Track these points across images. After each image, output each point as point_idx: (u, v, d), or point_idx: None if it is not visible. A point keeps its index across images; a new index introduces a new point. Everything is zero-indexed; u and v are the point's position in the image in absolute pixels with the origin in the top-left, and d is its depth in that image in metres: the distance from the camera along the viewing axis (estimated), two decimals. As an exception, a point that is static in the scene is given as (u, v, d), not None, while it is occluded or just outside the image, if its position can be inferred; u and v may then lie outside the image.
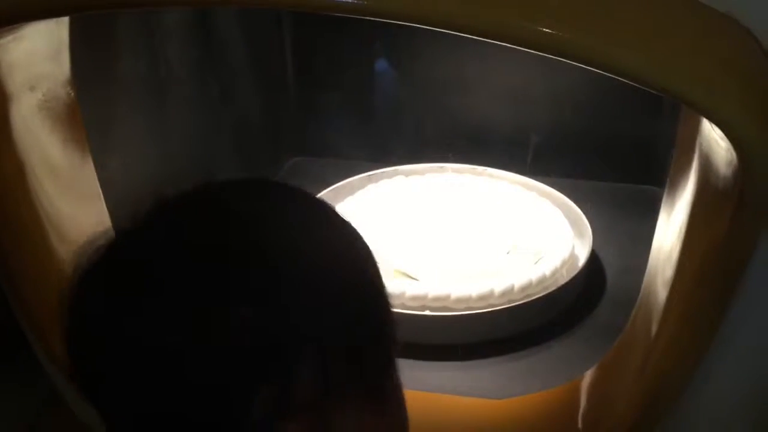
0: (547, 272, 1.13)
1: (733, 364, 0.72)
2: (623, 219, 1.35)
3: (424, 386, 0.99)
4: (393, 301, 1.08)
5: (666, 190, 0.83)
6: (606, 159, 1.46)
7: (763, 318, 0.70)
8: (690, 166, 0.74)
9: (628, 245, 1.26)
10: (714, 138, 0.63)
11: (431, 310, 1.08)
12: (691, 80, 0.54)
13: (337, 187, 1.38)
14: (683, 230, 0.74)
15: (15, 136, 0.76)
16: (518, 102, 1.47)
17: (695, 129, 0.70)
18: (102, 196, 0.92)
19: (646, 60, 0.54)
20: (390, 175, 1.41)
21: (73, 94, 0.82)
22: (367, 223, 1.25)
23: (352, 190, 1.37)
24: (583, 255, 1.19)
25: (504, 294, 1.09)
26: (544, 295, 1.09)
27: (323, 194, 1.36)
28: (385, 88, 1.61)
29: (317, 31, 1.52)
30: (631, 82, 0.56)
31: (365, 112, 1.61)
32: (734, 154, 0.57)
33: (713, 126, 0.59)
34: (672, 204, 0.80)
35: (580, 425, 0.84)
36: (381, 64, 1.58)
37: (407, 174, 1.42)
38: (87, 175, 0.89)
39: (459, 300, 1.08)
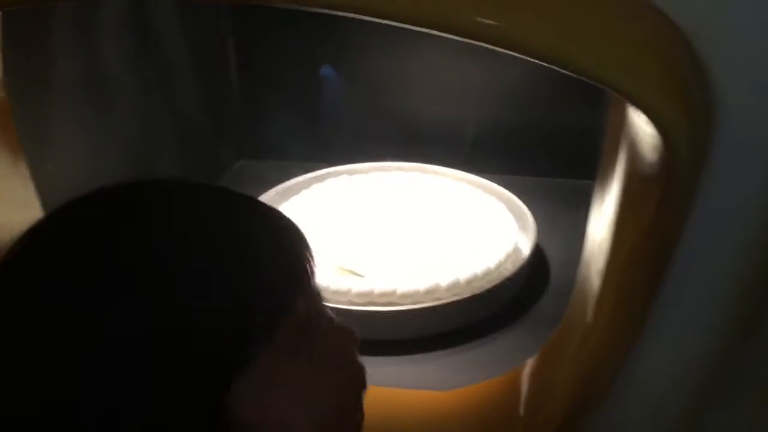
0: (492, 266, 1.15)
1: (663, 348, 0.74)
2: (567, 213, 1.37)
3: (372, 381, 0.99)
4: (339, 298, 1.08)
5: (597, 181, 0.85)
6: (549, 155, 1.49)
7: (691, 302, 0.72)
8: (618, 156, 0.76)
9: (571, 238, 1.27)
10: (639, 124, 0.64)
11: (378, 305, 1.08)
12: (613, 64, 0.55)
13: (282, 188, 1.38)
14: (613, 220, 0.76)
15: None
16: (460, 99, 1.49)
17: (623, 117, 0.72)
18: (38, 200, 0.90)
19: (568, 44, 0.55)
20: (335, 175, 1.41)
21: (3, 93, 0.81)
22: (312, 222, 1.26)
23: (297, 191, 1.37)
24: (526, 248, 1.21)
25: (450, 288, 1.10)
26: (489, 288, 1.11)
27: (268, 195, 1.36)
28: (329, 89, 1.61)
29: (260, 30, 1.52)
30: (557, 68, 0.57)
31: (311, 114, 1.61)
32: (659, 138, 0.59)
33: (638, 111, 0.61)
34: (603, 195, 0.82)
35: (522, 412, 0.86)
36: (326, 65, 1.58)
37: (352, 173, 1.42)
38: (19, 178, 0.86)
39: (405, 295, 1.08)
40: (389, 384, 0.99)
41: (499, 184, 1.37)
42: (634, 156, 0.70)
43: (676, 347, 0.74)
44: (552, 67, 0.57)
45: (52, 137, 1.06)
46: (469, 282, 1.11)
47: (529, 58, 0.57)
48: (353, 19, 0.59)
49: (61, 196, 1.07)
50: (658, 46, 0.59)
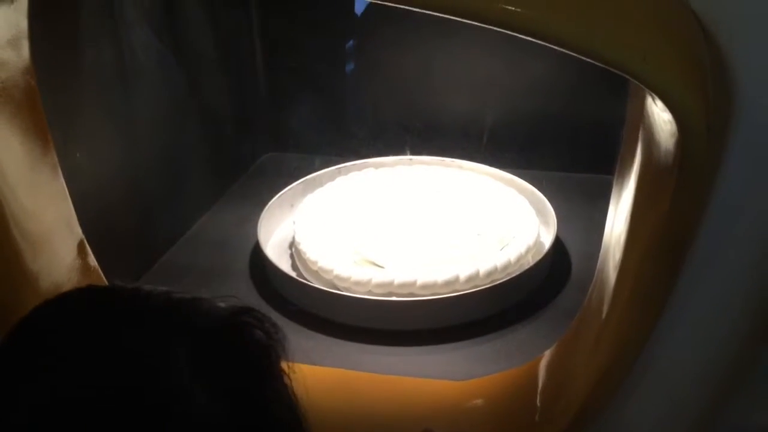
0: (513, 258, 1.15)
1: (680, 340, 0.74)
2: (589, 208, 1.36)
3: (391, 371, 1.01)
4: (359, 289, 1.10)
5: (615, 176, 0.85)
6: (570, 150, 1.48)
7: (708, 293, 0.72)
8: (636, 149, 0.76)
9: (593, 232, 1.27)
10: (656, 112, 0.65)
11: (398, 296, 1.09)
12: (630, 49, 0.56)
13: (307, 179, 1.39)
14: (630, 212, 0.76)
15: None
16: (484, 94, 1.49)
17: (641, 109, 0.72)
18: (65, 187, 0.92)
19: (587, 30, 0.56)
20: (359, 168, 1.43)
21: (33, 82, 0.83)
22: (335, 214, 1.27)
23: (321, 183, 1.38)
24: (547, 241, 1.21)
25: (469, 279, 1.10)
26: (508, 280, 1.11)
27: (292, 187, 1.37)
28: (357, 85, 1.62)
29: (286, 24, 1.54)
30: (576, 54, 0.57)
31: (336, 108, 1.63)
32: (675, 124, 0.59)
33: (655, 98, 0.61)
34: (621, 188, 0.82)
35: (538, 402, 0.86)
36: (352, 62, 1.60)
37: (377, 166, 1.43)
38: (49, 166, 0.89)
39: (425, 286, 1.09)
40: (408, 374, 1.00)
41: (521, 178, 1.36)
42: (651, 146, 0.70)
43: (694, 339, 0.74)
44: (572, 53, 0.58)
45: (81, 127, 1.08)
46: (488, 274, 1.12)
47: (550, 45, 0.58)
48: (379, 12, 0.60)
49: (89, 185, 1.10)
50: (676, 32, 0.59)
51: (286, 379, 0.50)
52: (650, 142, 0.70)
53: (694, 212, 0.64)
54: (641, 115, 0.73)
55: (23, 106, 0.82)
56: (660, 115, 0.63)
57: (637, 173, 0.75)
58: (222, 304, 0.50)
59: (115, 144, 1.18)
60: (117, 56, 1.15)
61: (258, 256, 1.23)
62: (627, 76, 0.60)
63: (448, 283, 1.09)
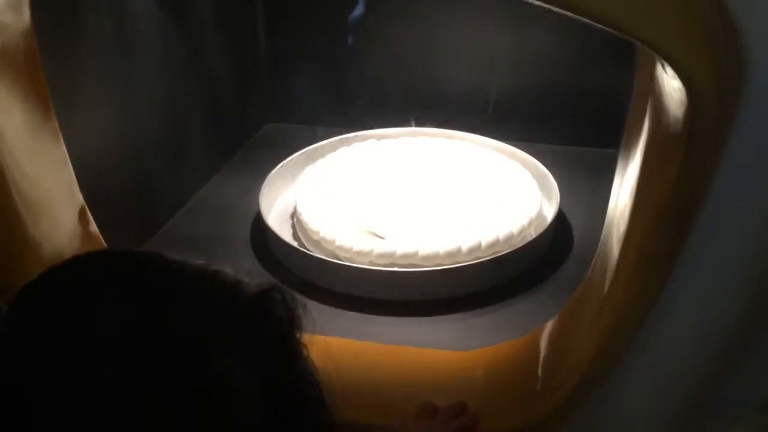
0: (515, 230, 1.14)
1: (682, 313, 0.74)
2: (592, 182, 1.36)
3: (392, 340, 1.01)
4: (361, 259, 1.09)
5: (621, 147, 0.84)
6: (574, 123, 1.47)
7: (712, 266, 0.72)
8: (644, 119, 0.75)
9: (595, 206, 1.27)
10: (666, 80, 0.64)
11: (399, 267, 1.09)
12: (640, 14, 0.55)
13: (309, 150, 1.39)
14: (636, 184, 0.75)
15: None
16: (487, 66, 1.48)
17: (650, 78, 0.71)
18: (66, 153, 0.91)
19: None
20: (362, 139, 1.42)
21: (34, 46, 0.82)
22: (337, 184, 1.27)
23: (323, 153, 1.38)
24: (550, 214, 1.21)
25: (471, 251, 1.10)
26: (510, 252, 1.11)
27: (294, 157, 1.36)
28: (360, 55, 1.61)
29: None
30: (583, 19, 0.56)
31: (339, 78, 1.61)
32: (684, 92, 0.58)
33: (665, 66, 0.60)
34: (626, 160, 0.81)
35: (540, 372, 0.86)
36: (357, 32, 1.58)
37: (380, 138, 1.42)
38: (50, 132, 0.88)
39: (426, 257, 1.09)
40: (410, 343, 1.00)
41: (524, 151, 1.36)
42: (659, 115, 0.69)
43: (695, 311, 0.74)
44: (580, 19, 0.57)
45: (82, 94, 1.07)
46: (491, 246, 1.11)
47: (559, 10, 0.57)
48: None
49: (90, 152, 1.10)
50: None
51: (307, 354, 0.50)
52: (659, 112, 0.69)
53: (701, 182, 0.63)
54: (650, 85, 0.72)
55: (24, 71, 0.81)
56: (669, 82, 0.62)
57: (645, 143, 0.74)
58: (246, 279, 0.49)
59: (115, 112, 1.17)
60: (117, 23, 1.14)
61: (259, 226, 1.22)
62: (636, 42, 0.59)
63: (450, 255, 1.09)
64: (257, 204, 1.23)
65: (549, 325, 0.92)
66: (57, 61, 0.96)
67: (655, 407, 0.76)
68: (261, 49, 1.60)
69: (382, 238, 1.13)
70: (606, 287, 0.80)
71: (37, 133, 0.86)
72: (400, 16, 1.48)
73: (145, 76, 1.23)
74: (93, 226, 0.96)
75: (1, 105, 0.79)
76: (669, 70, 0.60)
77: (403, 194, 1.24)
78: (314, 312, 1.10)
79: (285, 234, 1.20)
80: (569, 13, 0.56)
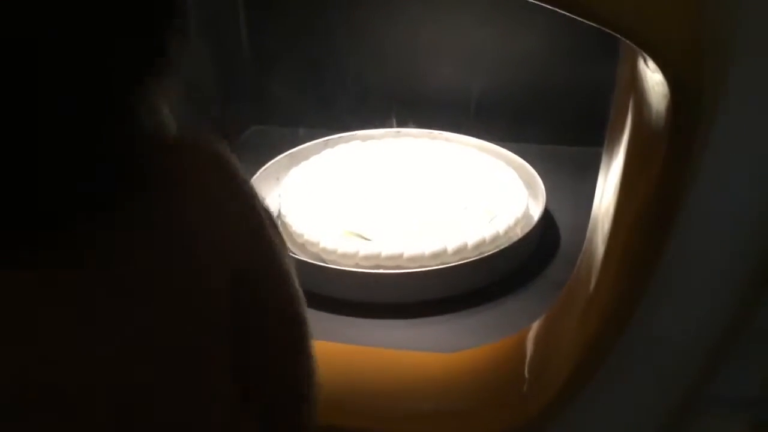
0: (501, 230, 1.14)
1: (669, 311, 0.73)
2: (578, 180, 1.35)
3: (377, 343, 0.99)
4: (347, 261, 1.08)
5: (605, 145, 0.84)
6: (558, 122, 1.46)
7: (698, 262, 0.71)
8: (626, 115, 0.74)
9: (582, 206, 1.26)
10: (648, 74, 0.63)
11: (385, 269, 1.08)
12: (622, 6, 0.54)
13: (293, 152, 1.37)
14: (620, 181, 0.74)
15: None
16: (471, 66, 1.47)
17: (631, 72, 0.71)
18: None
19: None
20: (346, 140, 1.41)
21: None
22: (321, 186, 1.25)
23: (307, 156, 1.36)
24: (536, 214, 1.20)
25: (457, 252, 1.09)
26: (497, 252, 1.10)
27: (278, 160, 1.35)
28: (343, 56, 1.60)
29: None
30: (561, 11, 0.56)
31: (322, 80, 1.60)
32: (667, 86, 0.57)
33: (647, 60, 0.60)
34: (610, 158, 0.80)
35: (526, 374, 0.85)
36: (339, 32, 1.57)
37: (364, 139, 1.41)
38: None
39: (412, 258, 1.08)
40: (395, 346, 0.99)
41: (509, 150, 1.35)
42: (641, 111, 0.69)
43: (683, 308, 0.74)
44: (560, 11, 0.56)
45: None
46: (476, 246, 1.10)
47: (544, 4, 0.56)
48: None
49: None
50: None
51: None
52: (641, 107, 0.69)
53: (684, 177, 0.63)
54: (631, 81, 0.71)
55: None
56: (652, 77, 0.62)
57: (628, 140, 0.74)
58: None
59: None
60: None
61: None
62: (618, 35, 0.58)
63: (435, 256, 1.08)
64: (241, 207, 1.21)
65: (535, 326, 0.91)
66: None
67: (643, 405, 0.75)
68: (244, 51, 1.59)
69: (367, 239, 1.12)
70: (592, 286, 0.79)
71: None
72: (382, 16, 1.47)
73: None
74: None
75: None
76: (651, 63, 0.59)
77: (388, 195, 1.23)
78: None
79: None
80: (550, 5, 0.55)
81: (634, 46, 0.60)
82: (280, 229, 0.62)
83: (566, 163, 1.41)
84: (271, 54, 1.57)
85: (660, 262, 0.71)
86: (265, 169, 1.32)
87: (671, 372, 0.74)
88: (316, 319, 1.04)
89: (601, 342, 0.76)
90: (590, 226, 0.87)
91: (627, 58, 0.74)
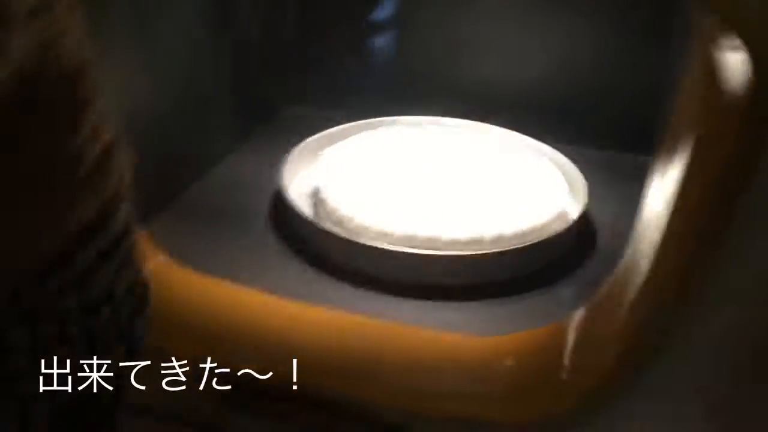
0: (538, 224, 1.12)
1: (720, 304, 0.72)
2: (621, 186, 1.32)
3: (412, 322, 0.98)
4: (382, 240, 1.06)
5: (657, 151, 0.82)
6: (607, 127, 1.44)
7: (755, 255, 0.69)
8: (686, 121, 0.73)
9: (623, 211, 1.24)
10: (724, 57, 0.61)
11: (420, 249, 1.07)
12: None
13: (334, 131, 1.36)
14: (677, 186, 0.72)
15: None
16: (524, 61, 1.46)
17: (698, 61, 0.69)
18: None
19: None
20: (388, 124, 1.39)
21: None
22: (359, 165, 1.24)
23: (347, 136, 1.35)
24: (575, 212, 1.18)
25: (494, 241, 1.08)
26: (531, 245, 1.08)
27: (318, 137, 1.34)
28: (390, 41, 1.59)
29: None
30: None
31: (371, 65, 1.59)
32: (750, 64, 0.56)
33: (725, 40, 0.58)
34: (663, 164, 0.78)
35: (566, 362, 0.83)
36: (385, 17, 1.56)
37: (406, 124, 1.40)
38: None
39: (448, 242, 1.07)
40: (429, 327, 0.97)
41: (555, 149, 1.33)
42: (713, 102, 0.67)
43: (741, 309, 0.71)
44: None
45: (102, 56, 1.04)
46: (513, 236, 1.09)
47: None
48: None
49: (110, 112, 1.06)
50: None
51: None
52: (713, 97, 0.67)
53: (756, 154, 0.61)
54: (697, 72, 0.70)
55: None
56: (730, 58, 0.60)
57: (690, 139, 0.72)
58: None
59: (138, 83, 1.14)
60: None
61: (278, 202, 1.20)
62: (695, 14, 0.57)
63: (472, 242, 1.07)
64: (277, 180, 1.20)
65: (576, 315, 0.89)
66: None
67: (690, 399, 0.73)
68: (288, 31, 1.58)
69: (404, 220, 1.10)
70: (641, 280, 0.78)
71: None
72: (431, 4, 1.46)
73: (168, 40, 1.21)
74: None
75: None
76: (730, 42, 0.58)
77: (427, 180, 1.21)
78: (333, 290, 1.08)
79: (304, 212, 1.17)
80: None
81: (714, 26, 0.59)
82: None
83: (611, 168, 1.38)
84: (315, 36, 1.56)
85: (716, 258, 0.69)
86: (303, 146, 1.31)
87: (719, 369, 0.72)
88: (348, 295, 1.05)
89: (646, 335, 0.74)
90: (642, 215, 0.85)
91: (695, 57, 0.72)
